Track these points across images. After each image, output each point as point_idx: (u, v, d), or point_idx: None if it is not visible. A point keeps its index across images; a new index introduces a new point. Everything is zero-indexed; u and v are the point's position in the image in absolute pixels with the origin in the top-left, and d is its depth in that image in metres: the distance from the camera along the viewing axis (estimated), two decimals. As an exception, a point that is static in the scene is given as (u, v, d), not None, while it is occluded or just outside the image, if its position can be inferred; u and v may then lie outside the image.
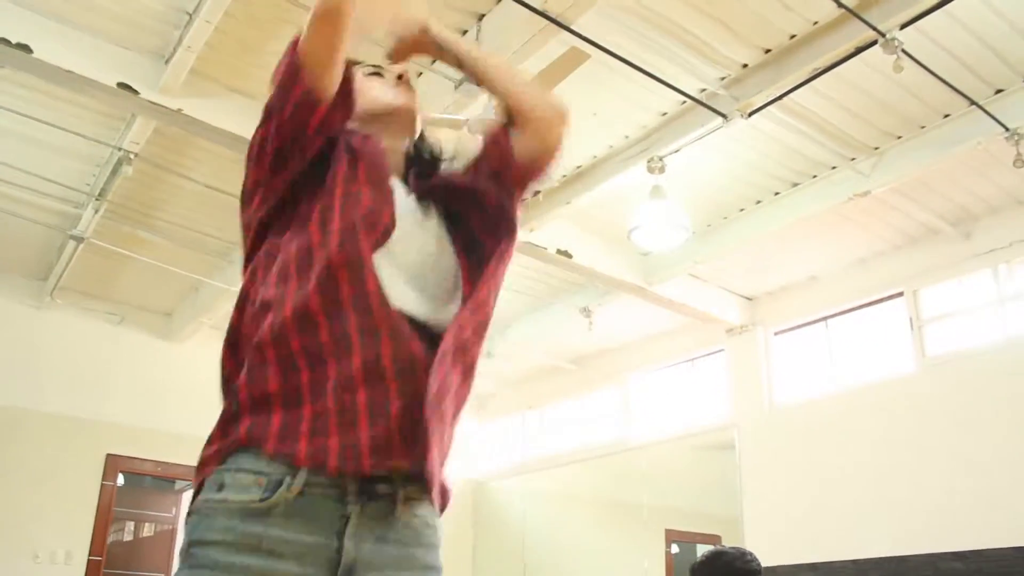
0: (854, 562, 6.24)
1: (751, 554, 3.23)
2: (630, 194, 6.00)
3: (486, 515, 9.76)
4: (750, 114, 5.04)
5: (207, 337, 8.57)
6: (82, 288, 7.97)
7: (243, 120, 5.31)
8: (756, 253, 6.94)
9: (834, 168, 5.84)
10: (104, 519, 7.76)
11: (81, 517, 7.65)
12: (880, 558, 6.11)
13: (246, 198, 1.69)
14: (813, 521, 6.63)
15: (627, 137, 5.66)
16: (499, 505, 9.68)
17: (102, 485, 7.80)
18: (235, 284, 7.10)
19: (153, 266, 7.38)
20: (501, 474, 9.73)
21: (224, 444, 1.48)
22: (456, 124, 4.64)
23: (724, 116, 5.03)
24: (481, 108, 4.47)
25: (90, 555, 7.60)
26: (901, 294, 6.68)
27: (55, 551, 7.45)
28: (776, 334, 7.58)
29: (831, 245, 6.85)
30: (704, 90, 5.10)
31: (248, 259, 1.64)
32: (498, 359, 8.68)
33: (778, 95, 4.94)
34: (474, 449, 10.05)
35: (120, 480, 8.05)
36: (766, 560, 3.69)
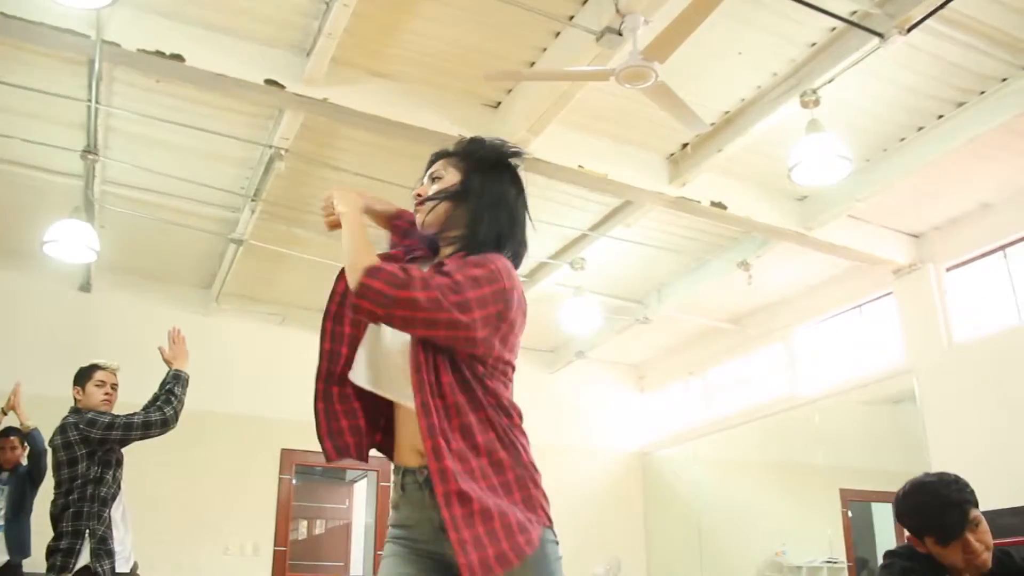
0: (1060, 503, 5.84)
1: (960, 479, 2.78)
2: (781, 136, 5.78)
3: (655, 484, 9.65)
4: (908, 29, 4.74)
5: (365, 329, 8.74)
6: (244, 292, 8.24)
7: (386, 103, 5.38)
8: (920, 185, 6.57)
9: (1004, 80, 5.45)
10: (285, 511, 8.02)
11: (264, 510, 7.92)
12: (1091, 494, 5.70)
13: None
14: (1008, 462, 6.23)
15: (775, 74, 5.43)
16: (668, 473, 9.54)
17: (280, 479, 8.06)
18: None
19: (308, 265, 7.57)
20: (667, 442, 9.58)
21: None
22: (603, 76, 4.55)
23: (881, 36, 4.75)
24: (627, 56, 4.35)
25: (275, 546, 7.86)
26: (1089, 210, 6.21)
27: (243, 544, 7.75)
28: (948, 270, 7.17)
29: (1004, 167, 6.41)
30: (855, 12, 4.83)
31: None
32: (655, 326, 8.54)
33: (939, 4, 4.62)
34: (638, 420, 9.95)
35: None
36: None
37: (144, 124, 5.79)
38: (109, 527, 4.15)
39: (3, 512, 5.70)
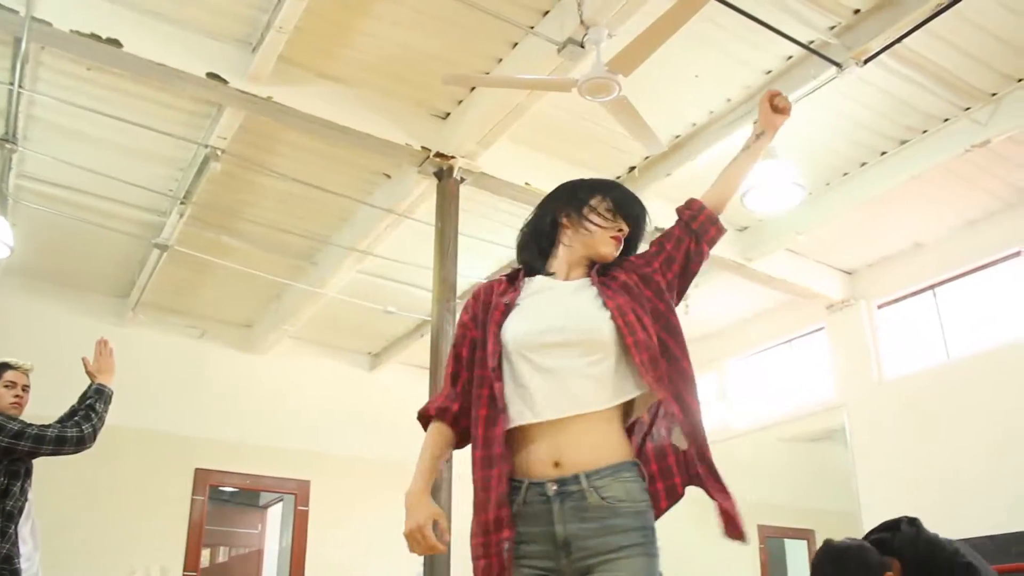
0: (991, 538, 5.89)
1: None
2: (722, 161, 5.75)
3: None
4: (865, 61, 4.77)
5: (288, 348, 8.46)
6: (162, 303, 7.87)
7: (334, 106, 5.19)
8: (856, 221, 6.65)
9: (947, 120, 5.54)
10: (196, 535, 7.62)
11: (174, 533, 7.51)
12: (1021, 532, 5.75)
13: None
14: (938, 497, 6.28)
15: (729, 100, 5.42)
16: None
17: (192, 500, 7.66)
18: (319, 286, 6.96)
19: (232, 276, 7.27)
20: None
21: None
22: (565, 85, 4.44)
23: (838, 65, 4.77)
24: (589, 68, 4.25)
25: (184, 570, 7.45)
26: (1018, 253, 6.34)
27: (150, 568, 7.32)
28: (880, 307, 7.26)
29: (938, 207, 6.53)
30: (813, 41, 4.84)
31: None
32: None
33: (896, 37, 4.66)
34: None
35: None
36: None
37: (69, 115, 5.45)
38: (15, 544, 3.79)
39: None
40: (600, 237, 2.17)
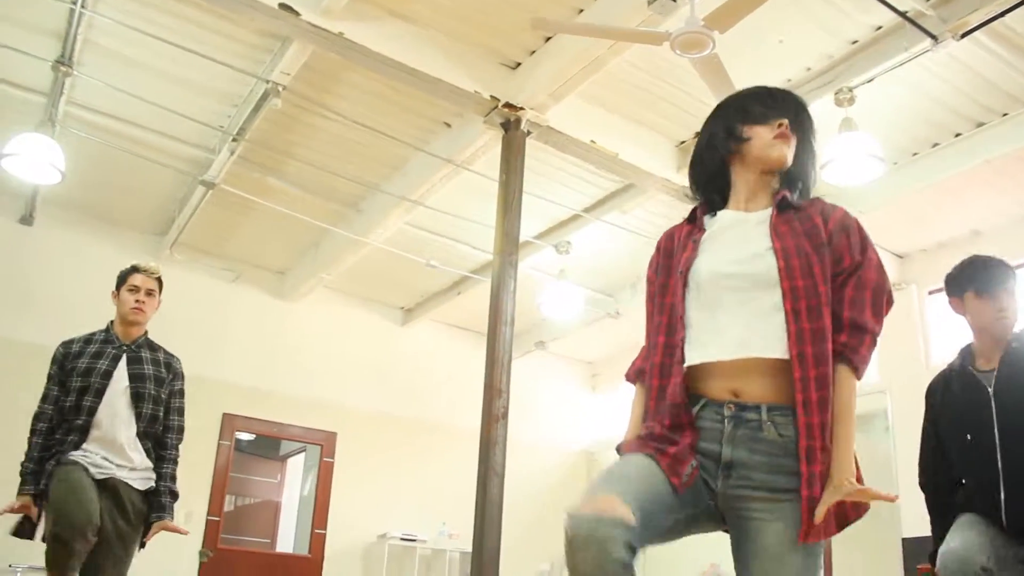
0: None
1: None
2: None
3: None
4: (963, 35, 4.59)
5: (321, 297, 8.34)
6: (199, 244, 7.73)
7: (404, 47, 5.02)
8: (913, 205, 6.49)
9: (1030, 104, 5.38)
10: (221, 480, 7.54)
11: (200, 477, 7.41)
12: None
13: None
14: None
15: (809, 69, 5.25)
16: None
17: (219, 445, 7.57)
18: (363, 234, 6.82)
19: (272, 220, 7.14)
20: (615, 443, 9.35)
21: None
22: (658, 38, 4.28)
23: (934, 37, 4.59)
24: (683, 23, 4.09)
25: (208, 515, 7.37)
26: (1081, 247, 6.18)
27: (175, 511, 7.21)
28: (931, 293, 7.11)
29: (999, 196, 6.37)
30: (908, 12, 4.67)
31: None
32: (617, 324, 8.31)
33: (998, 12, 4.48)
34: (587, 418, 9.72)
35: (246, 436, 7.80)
36: (926, 530, 3.33)
37: (127, 40, 5.29)
38: None
39: None
40: (763, 140, 1.99)
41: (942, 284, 6.92)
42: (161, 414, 3.69)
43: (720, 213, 2.05)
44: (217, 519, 7.43)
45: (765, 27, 4.88)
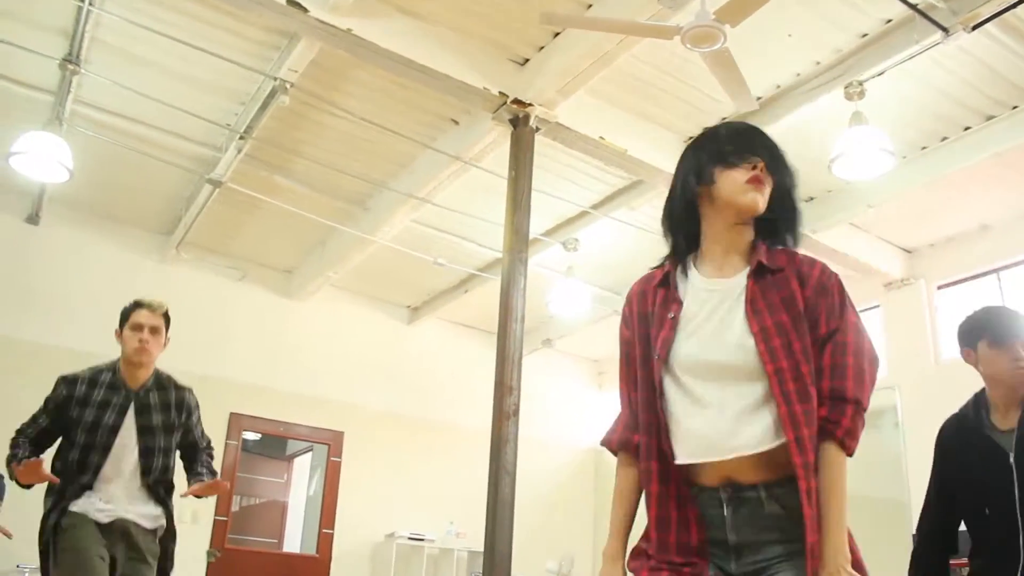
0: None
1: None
2: (807, 129, 5.61)
3: (607, 483, 9.36)
4: (974, 27, 4.57)
5: (327, 296, 8.33)
6: (205, 243, 7.72)
7: (412, 43, 5.00)
8: (921, 199, 6.46)
9: (1040, 97, 5.35)
10: (229, 479, 7.51)
11: (207, 477, 7.38)
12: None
13: None
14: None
15: (818, 63, 5.22)
16: (621, 473, 9.30)
17: (226, 444, 7.55)
18: (370, 232, 6.81)
19: (278, 219, 7.13)
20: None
21: None
22: (668, 32, 4.26)
23: (945, 29, 4.57)
24: (693, 17, 4.07)
25: (216, 515, 7.36)
26: (1092, 241, 6.17)
27: (181, 511, 7.18)
28: (940, 287, 7.09)
29: (1008, 190, 6.35)
30: (917, 5, 4.65)
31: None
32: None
33: (1010, 3, 4.46)
34: (594, 416, 9.70)
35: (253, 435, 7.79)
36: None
37: (134, 38, 5.27)
38: None
39: None
40: (734, 184, 1.82)
41: (952, 279, 6.98)
42: (172, 463, 3.53)
43: (693, 278, 1.89)
44: (225, 519, 7.42)
45: (774, 21, 4.86)
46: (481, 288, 7.99)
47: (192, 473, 3.63)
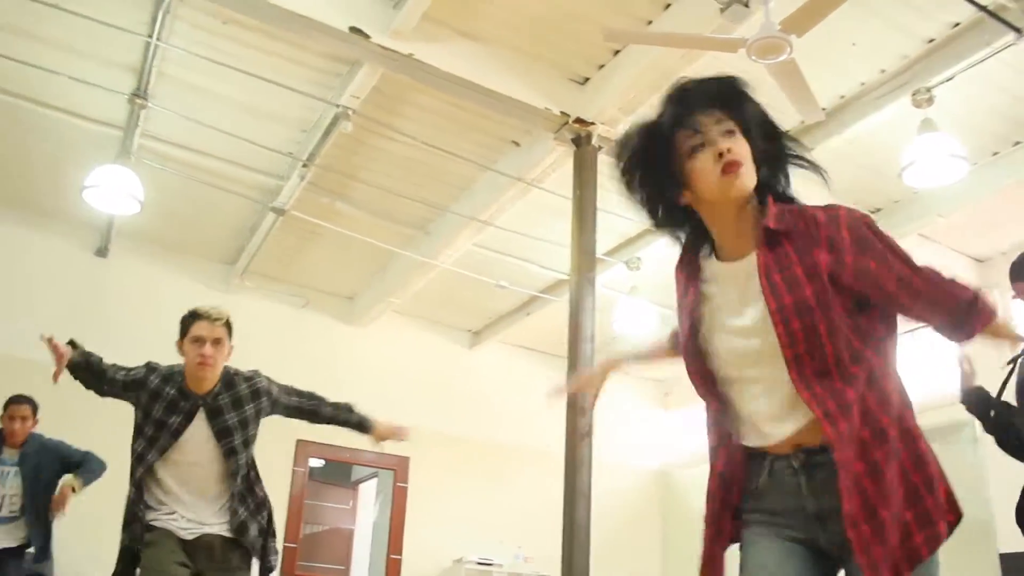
0: None
1: None
2: (874, 138, 5.52)
3: (675, 504, 9.27)
4: (1050, 28, 4.46)
5: (389, 321, 8.36)
6: (268, 271, 7.80)
7: (473, 65, 5.03)
8: (993, 207, 6.30)
9: (1118, 97, 5.20)
10: (297, 506, 7.56)
11: (275, 504, 7.39)
12: None
13: None
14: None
15: (883, 71, 5.13)
16: (689, 494, 9.16)
17: (294, 471, 7.59)
18: (432, 256, 6.82)
19: (339, 245, 7.18)
20: (690, 462, 9.20)
21: None
22: (733, 45, 4.21)
23: (1018, 30, 4.47)
24: (758, 28, 4.02)
25: (286, 542, 7.38)
26: None
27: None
28: (1014, 298, 6.88)
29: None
30: (987, 7, 4.55)
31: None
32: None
33: (1089, 1, 4.35)
34: (659, 437, 9.59)
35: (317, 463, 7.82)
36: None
37: (198, 71, 5.38)
38: None
39: (14, 497, 4.86)
40: (709, 180, 1.67)
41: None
42: (253, 460, 3.57)
43: (711, 265, 1.79)
44: (294, 546, 7.45)
45: (837, 29, 4.78)
46: (543, 310, 7.96)
47: (344, 423, 3.81)
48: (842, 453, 1.58)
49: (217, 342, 3.40)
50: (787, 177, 1.78)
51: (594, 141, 5.23)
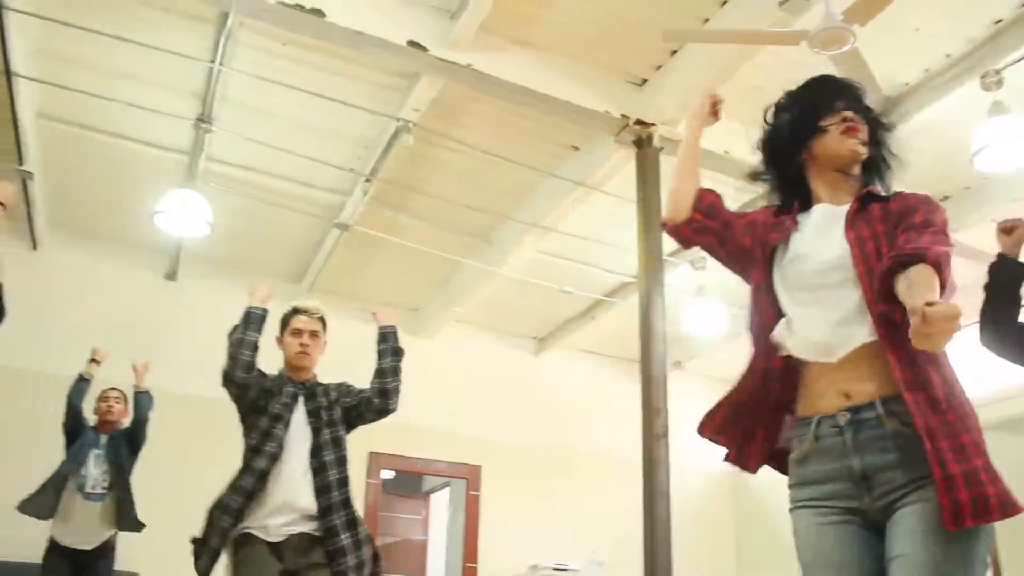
0: None
1: None
2: (938, 126, 5.41)
3: (747, 505, 9.16)
4: (1125, 2, 4.34)
5: (454, 331, 8.40)
6: (334, 287, 7.88)
7: (531, 72, 5.04)
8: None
9: None
10: (372, 518, 7.61)
11: (350, 517, 7.50)
12: None
13: None
14: None
15: (948, 56, 5.03)
16: (763, 496, 9.04)
17: (368, 483, 7.66)
18: (495, 265, 6.84)
19: (402, 258, 7.23)
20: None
21: None
22: (794, 38, 4.16)
23: (1089, 7, 4.36)
24: (819, 20, 3.97)
25: (362, 555, 7.45)
26: None
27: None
28: (1095, 281, 6.70)
29: None
30: (1059, -18, 4.45)
31: None
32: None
33: None
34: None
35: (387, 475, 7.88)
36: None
37: (259, 93, 5.46)
38: None
39: (103, 480, 5.31)
40: (831, 138, 1.98)
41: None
42: (347, 459, 3.59)
43: (813, 209, 2.04)
44: (370, 557, 7.50)
45: (899, 16, 4.69)
46: (607, 314, 7.94)
47: (387, 355, 3.88)
48: (911, 395, 1.68)
49: (314, 334, 3.72)
50: (887, 171, 2.06)
51: (655, 142, 5.20)
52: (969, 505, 1.57)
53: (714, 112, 2.45)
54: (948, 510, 1.58)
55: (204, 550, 3.31)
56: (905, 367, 1.69)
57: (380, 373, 3.78)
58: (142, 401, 5.48)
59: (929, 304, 1.47)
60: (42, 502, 5.14)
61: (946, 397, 1.68)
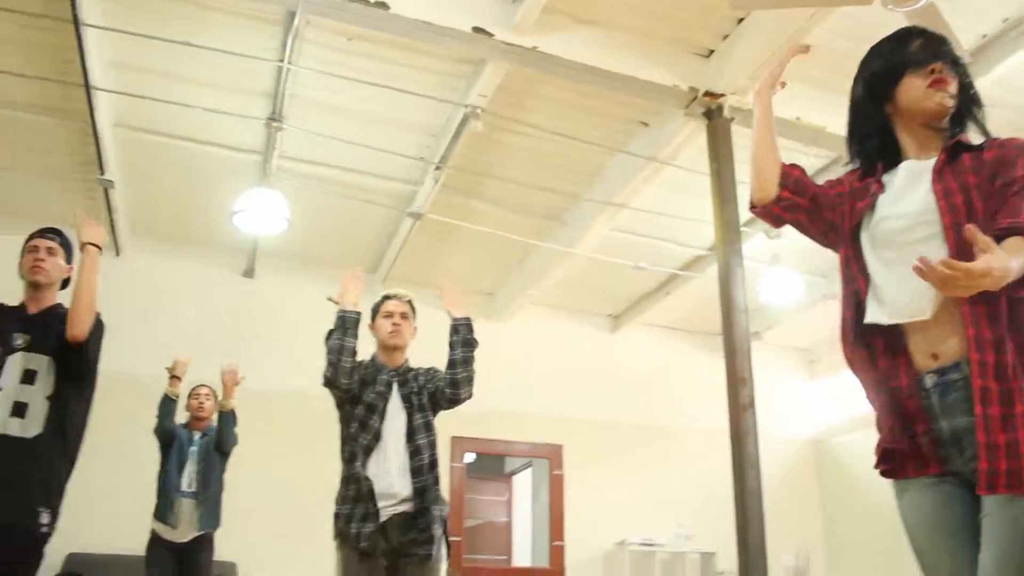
0: None
1: None
2: (1012, 77, 5.26)
3: (832, 473, 9.06)
4: None
5: (529, 314, 8.43)
6: (410, 276, 7.89)
7: (596, 51, 5.03)
8: None
9: None
10: (458, 500, 7.74)
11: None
12: None
13: None
14: None
15: (1006, 20, 4.93)
16: (847, 462, 8.93)
17: (451, 467, 7.75)
18: (569, 245, 6.84)
19: (475, 243, 7.27)
20: (845, 428, 8.97)
21: None
22: (866, -1, 4.08)
23: None
24: (892, -24, 3.88)
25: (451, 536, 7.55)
26: None
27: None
28: None
29: None
30: None
31: None
32: (833, 308, 7.97)
33: None
34: (809, 406, 9.39)
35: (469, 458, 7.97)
36: None
37: (327, 89, 5.54)
38: None
39: (194, 478, 5.44)
40: (917, 91, 1.90)
41: None
42: (436, 443, 3.69)
43: (900, 167, 1.96)
44: (458, 539, 7.61)
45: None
46: (681, 288, 7.90)
47: (459, 346, 3.93)
48: (978, 355, 1.65)
49: (404, 316, 3.88)
50: (978, 121, 1.96)
51: (726, 112, 5.16)
52: (1005, 476, 1.59)
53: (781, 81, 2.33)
54: (984, 475, 1.60)
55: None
56: (978, 325, 1.66)
57: (451, 364, 3.85)
58: (227, 421, 5.51)
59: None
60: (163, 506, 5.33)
61: (1016, 363, 1.64)
